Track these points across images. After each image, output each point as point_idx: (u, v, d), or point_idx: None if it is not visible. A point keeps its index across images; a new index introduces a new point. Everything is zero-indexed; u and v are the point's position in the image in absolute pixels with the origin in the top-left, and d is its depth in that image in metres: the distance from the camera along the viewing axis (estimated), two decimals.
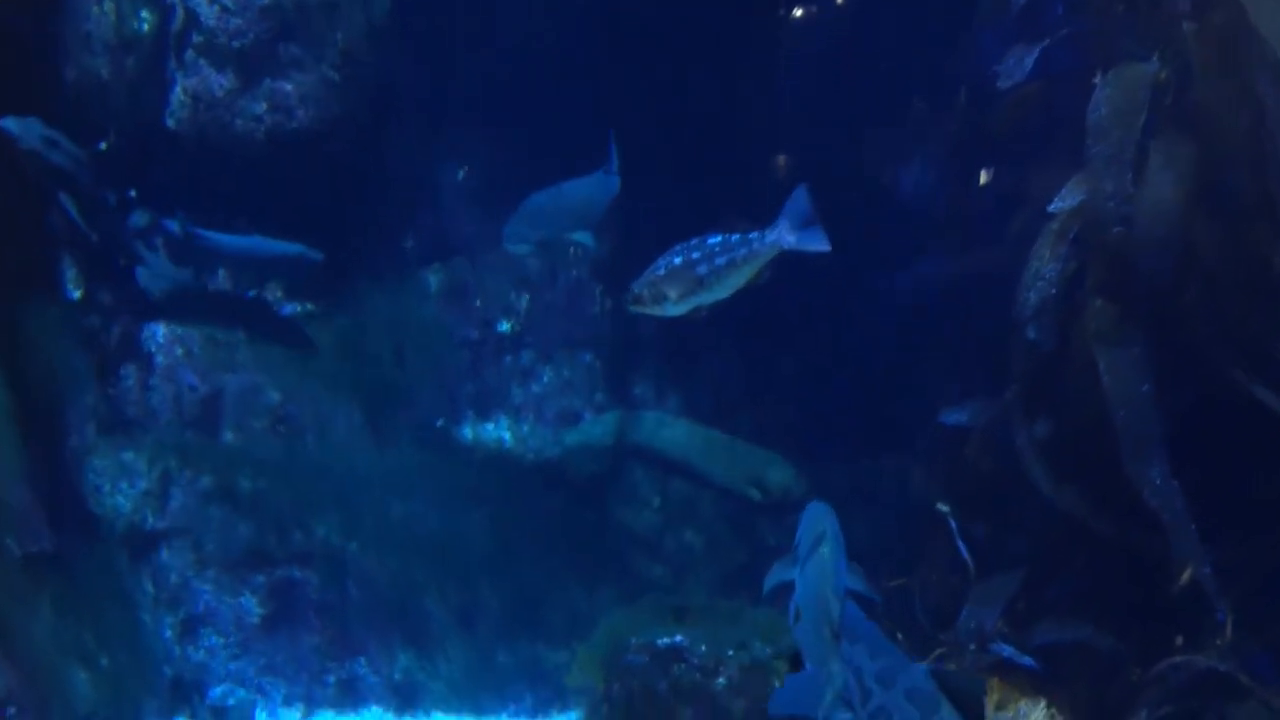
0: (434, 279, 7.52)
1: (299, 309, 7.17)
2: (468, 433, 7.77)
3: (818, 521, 4.32)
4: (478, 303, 7.61)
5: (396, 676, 6.88)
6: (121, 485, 6.61)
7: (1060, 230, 5.37)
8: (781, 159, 7.60)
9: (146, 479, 6.64)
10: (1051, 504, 5.48)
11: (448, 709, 6.96)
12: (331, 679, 6.77)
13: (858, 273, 7.28)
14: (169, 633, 6.49)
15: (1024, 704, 5.34)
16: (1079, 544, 5.54)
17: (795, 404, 7.72)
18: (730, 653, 5.04)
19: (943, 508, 5.55)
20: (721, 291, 4.70)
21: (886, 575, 6.01)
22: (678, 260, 4.67)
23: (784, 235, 4.59)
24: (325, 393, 7.23)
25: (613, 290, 7.83)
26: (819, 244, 4.53)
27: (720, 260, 4.66)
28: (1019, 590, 5.53)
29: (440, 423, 7.67)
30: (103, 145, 6.48)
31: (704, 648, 5.06)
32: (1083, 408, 5.47)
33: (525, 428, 7.83)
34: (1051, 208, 5.22)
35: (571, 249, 7.65)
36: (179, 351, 6.91)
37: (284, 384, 7.09)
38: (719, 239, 4.67)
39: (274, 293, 7.14)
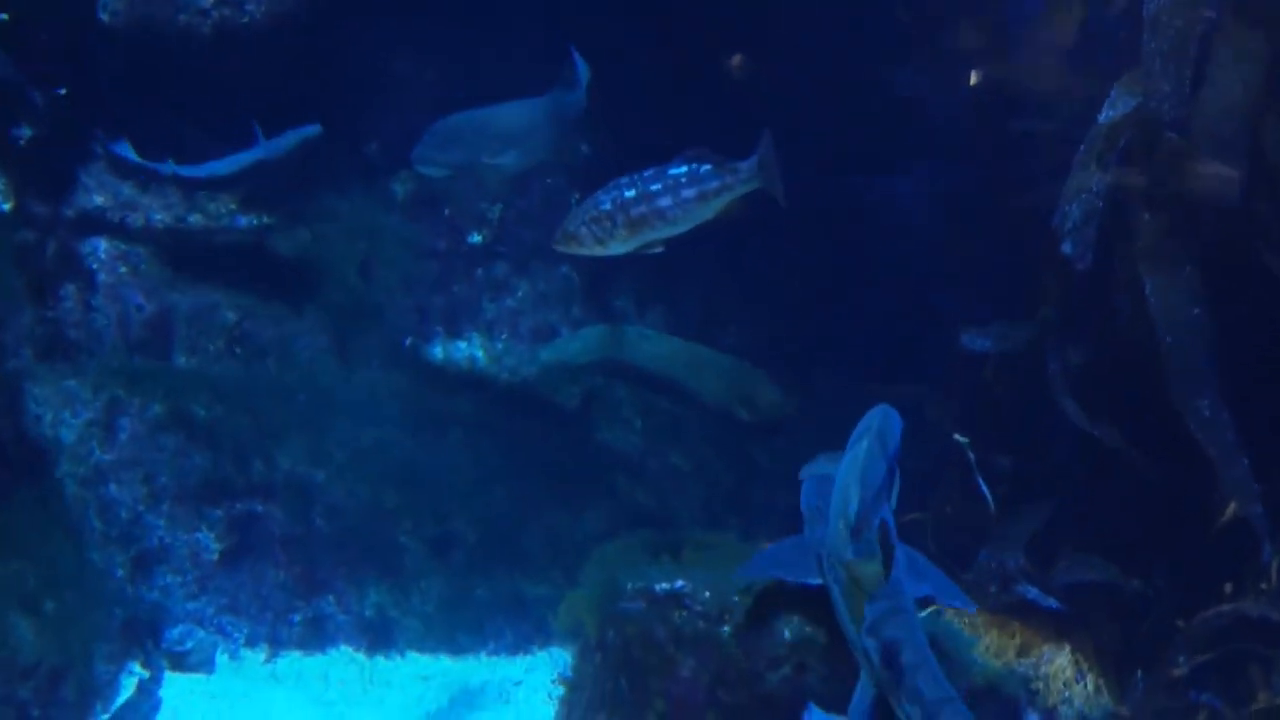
0: (400, 187, 7.10)
1: (255, 222, 6.63)
2: (438, 351, 7.43)
3: (872, 420, 3.92)
4: (447, 212, 7.23)
5: (367, 614, 6.50)
6: (64, 415, 6.15)
7: (1109, 136, 4.89)
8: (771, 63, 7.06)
9: (91, 408, 6.18)
10: (1081, 436, 5.07)
11: (422, 648, 6.59)
12: (297, 617, 6.38)
13: (868, 178, 7.01)
14: (120, 572, 6.05)
15: (1047, 649, 4.98)
16: (1111, 479, 5.16)
17: (793, 320, 7.35)
18: (736, 598, 4.61)
19: (961, 439, 5.11)
20: (685, 224, 4.47)
21: (898, 511, 5.60)
22: (630, 193, 4.44)
23: (756, 173, 4.40)
24: (286, 311, 6.82)
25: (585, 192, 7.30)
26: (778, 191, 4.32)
27: (688, 193, 4.40)
28: (1043, 528, 5.12)
29: (409, 341, 7.31)
30: (4, 16, 5.83)
31: (707, 593, 4.63)
32: (1124, 332, 5.07)
33: (499, 345, 7.51)
34: (1101, 118, 4.71)
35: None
36: (123, 269, 6.46)
37: (241, 302, 6.66)
38: (684, 169, 4.41)
39: (226, 205, 6.58)
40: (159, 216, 6.57)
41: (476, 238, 7.26)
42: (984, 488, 5.25)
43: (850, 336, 7.10)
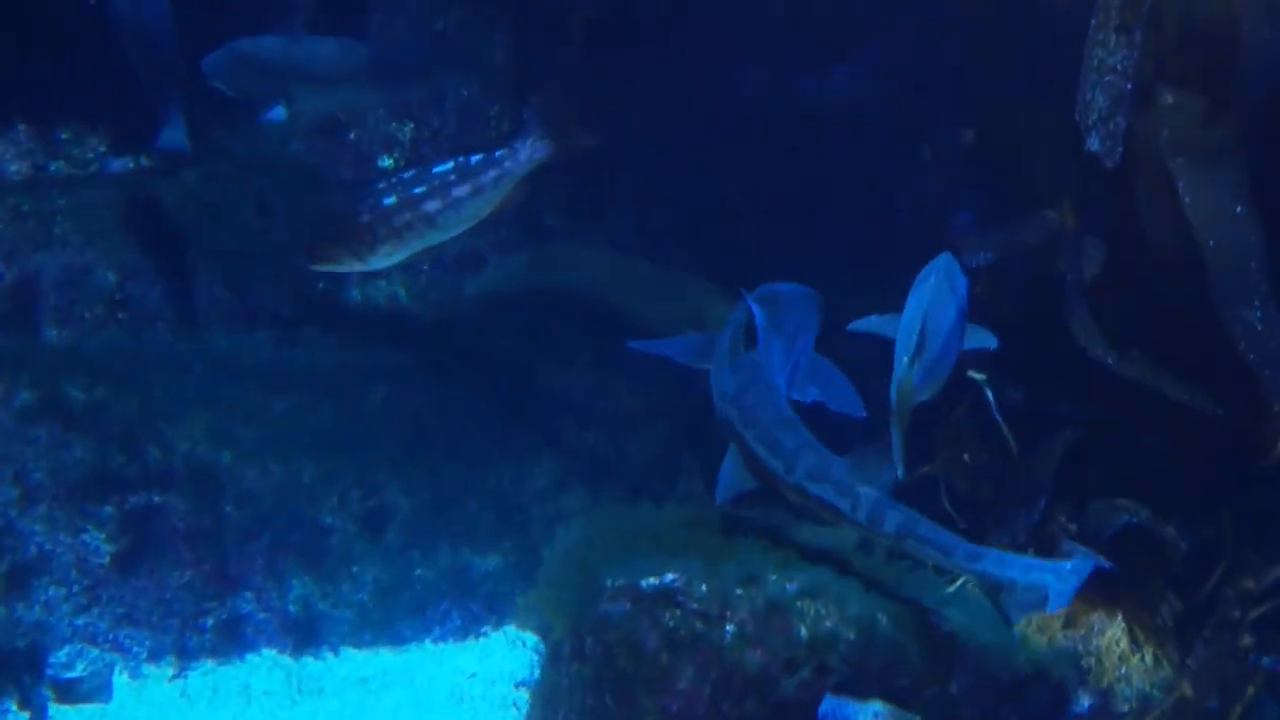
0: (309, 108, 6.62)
1: (130, 165, 5.73)
2: (355, 294, 6.78)
3: (937, 264, 4.05)
4: (352, 136, 6.74)
5: (291, 610, 5.72)
6: None
7: (1130, 3, 4.10)
8: None
9: None
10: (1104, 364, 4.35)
11: (358, 643, 5.83)
12: (209, 622, 5.56)
13: (807, 70, 6.36)
14: None
15: (1097, 619, 4.27)
16: (1144, 411, 4.42)
17: (747, 229, 6.67)
18: (738, 591, 3.85)
19: (976, 375, 4.35)
20: (460, 226, 4.20)
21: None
22: (389, 200, 4.11)
23: (539, 147, 4.10)
24: (175, 266, 6.06)
25: (511, 110, 6.85)
26: (586, 139, 4.05)
27: (459, 190, 4.10)
28: (1068, 475, 4.41)
29: (321, 286, 6.60)
30: None
31: (704, 587, 3.86)
32: (1154, 238, 4.31)
33: (422, 280, 6.94)
34: None
35: None
36: None
37: (120, 260, 5.85)
38: (450, 165, 4.11)
39: (94, 149, 5.66)
40: (14, 167, 5.90)
41: (387, 161, 6.76)
42: (1005, 430, 4.50)
43: (806, 249, 6.40)
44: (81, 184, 5.95)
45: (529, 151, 4.12)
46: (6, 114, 5.76)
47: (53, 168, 5.92)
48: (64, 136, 5.96)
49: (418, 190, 4.08)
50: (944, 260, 4.13)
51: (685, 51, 6.59)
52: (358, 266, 4.20)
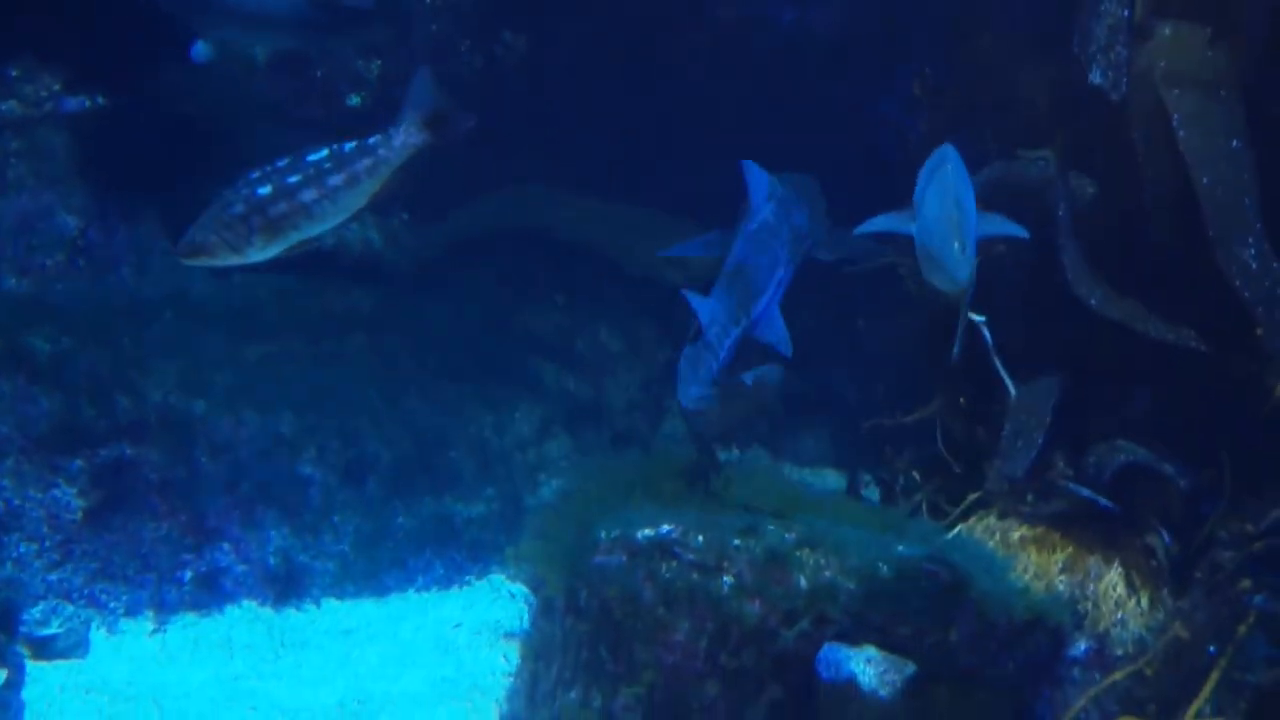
0: (259, 48, 6.35)
1: (87, 104, 5.52)
2: (328, 238, 6.43)
3: (940, 158, 4.10)
4: (319, 73, 6.55)
5: (271, 561, 5.61)
6: None
7: None
8: None
9: None
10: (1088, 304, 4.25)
11: (341, 594, 5.73)
12: (187, 574, 5.43)
13: None
14: None
15: (1094, 563, 4.21)
16: (1139, 353, 4.32)
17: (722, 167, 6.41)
18: (736, 542, 3.75)
19: (976, 317, 4.23)
20: (337, 217, 4.10)
21: (894, 409, 4.77)
22: (264, 190, 4.01)
23: (413, 133, 4.01)
24: (139, 208, 5.90)
25: (483, 44, 6.68)
26: (461, 123, 4.05)
27: (335, 179, 4.03)
28: (1071, 416, 4.31)
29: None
30: None
31: (700, 538, 3.75)
32: (1149, 174, 4.20)
33: (395, 222, 6.77)
34: None
35: None
36: None
37: (81, 203, 5.71)
38: (325, 153, 4.03)
39: (48, 86, 5.43)
40: None
41: (354, 100, 6.57)
42: (1005, 375, 4.40)
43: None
44: (36, 124, 5.70)
45: (404, 138, 4.02)
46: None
47: (4, 107, 5.66)
48: (15, 74, 5.71)
49: (293, 179, 3.99)
50: (950, 151, 4.12)
51: None
52: (234, 259, 4.03)
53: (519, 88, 6.78)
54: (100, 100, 5.73)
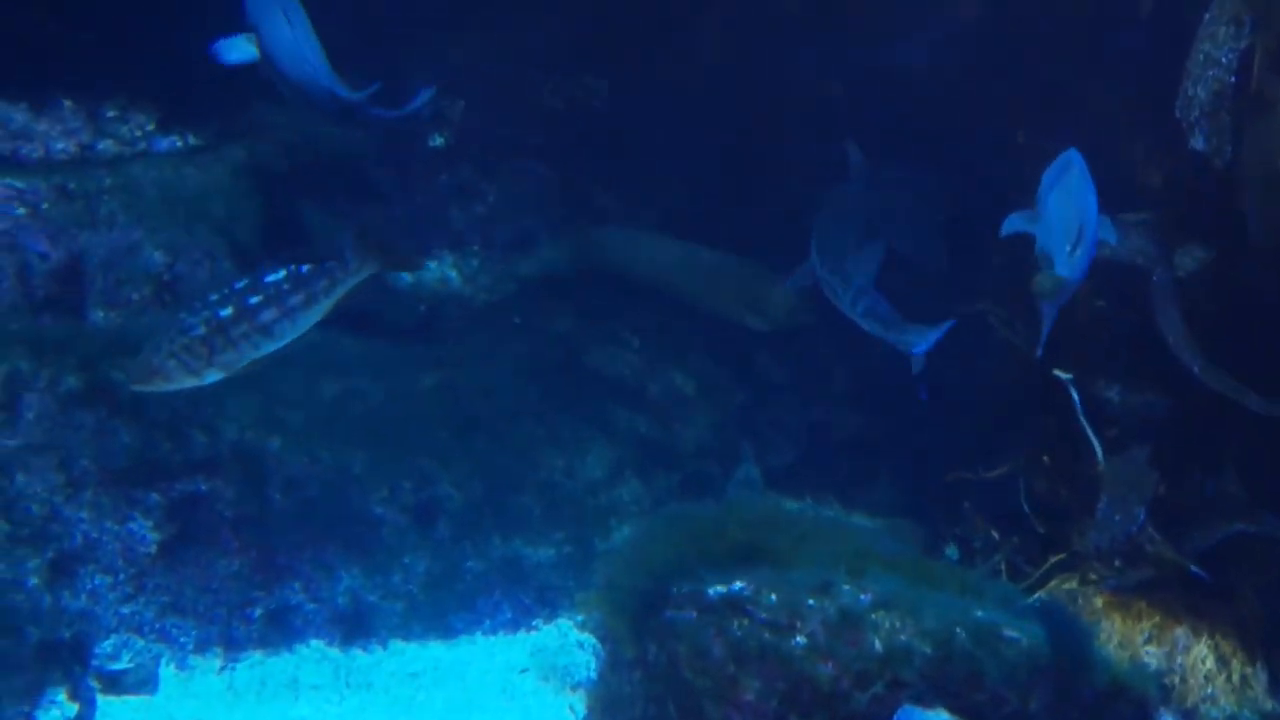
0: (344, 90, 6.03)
1: (178, 143, 5.60)
2: (405, 275, 6.59)
3: (1064, 162, 4.10)
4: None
5: (340, 601, 5.59)
6: None
7: None
8: None
9: None
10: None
11: (408, 635, 5.70)
12: (257, 611, 5.43)
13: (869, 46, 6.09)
14: (33, 580, 5.01)
15: (1181, 633, 4.05)
16: (1234, 423, 4.18)
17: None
18: (810, 601, 3.67)
19: (1062, 374, 4.12)
20: (292, 335, 4.20)
21: (975, 463, 4.66)
22: (225, 311, 4.08)
23: (369, 257, 4.17)
24: (222, 245, 5.90)
25: (562, 87, 6.78)
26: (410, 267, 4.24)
27: (294, 299, 4.13)
28: (1163, 479, 4.17)
29: None
30: None
31: (773, 596, 3.67)
32: (1260, 240, 4.06)
33: (474, 262, 6.81)
34: None
35: None
36: (19, 210, 5.43)
37: (168, 239, 5.70)
38: (282, 274, 4.13)
39: (142, 126, 5.52)
40: (60, 145, 5.70)
41: (438, 140, 6.68)
42: (1090, 432, 4.27)
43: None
44: (129, 162, 5.80)
45: (359, 263, 4.17)
46: (52, 91, 5.61)
47: (100, 146, 5.76)
48: (111, 114, 5.81)
49: (253, 300, 4.08)
50: (1075, 155, 4.12)
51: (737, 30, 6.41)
52: (190, 382, 4.10)
53: (598, 130, 6.79)
54: (191, 139, 5.79)
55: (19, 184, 5.43)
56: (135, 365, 4.09)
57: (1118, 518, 4.10)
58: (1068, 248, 3.84)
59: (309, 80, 4.49)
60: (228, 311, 4.06)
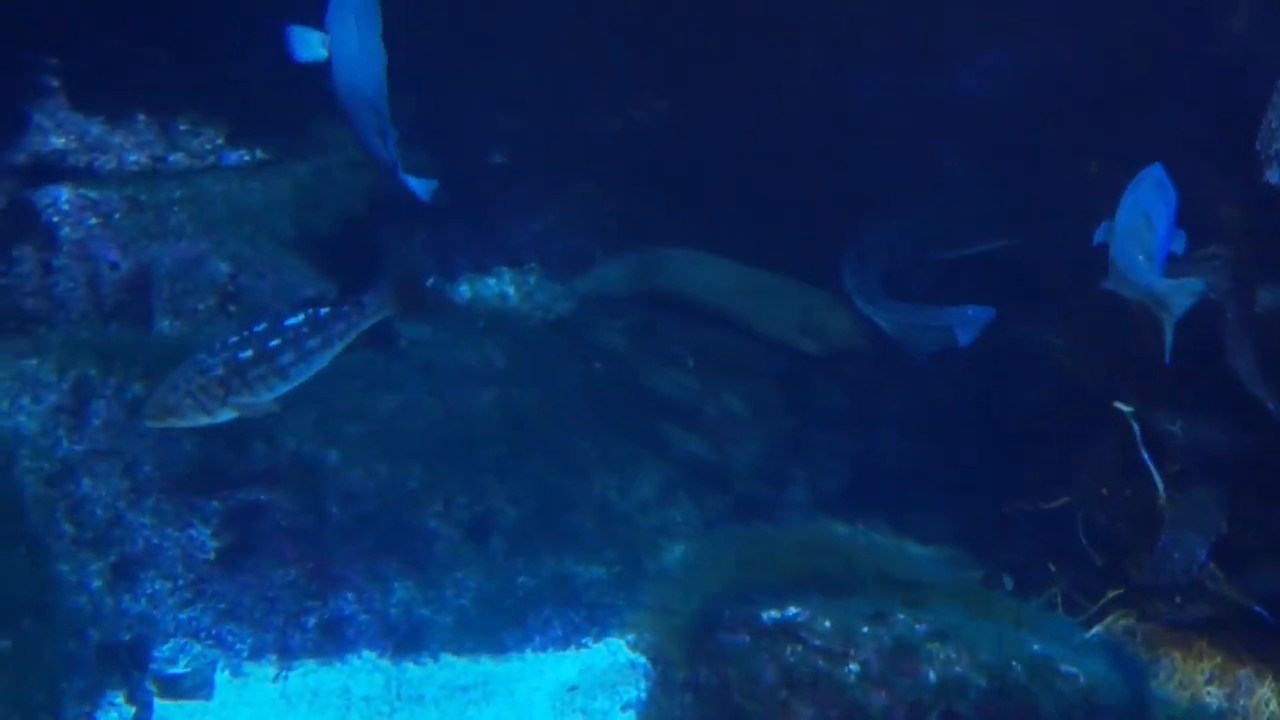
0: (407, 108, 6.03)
1: (246, 157, 5.72)
2: (464, 291, 6.73)
3: (1150, 173, 4.19)
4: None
5: (392, 613, 5.63)
6: (22, 402, 5.18)
7: None
8: None
9: (57, 391, 5.22)
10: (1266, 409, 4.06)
11: (459, 649, 5.72)
12: (311, 621, 5.49)
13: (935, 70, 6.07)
14: (96, 583, 5.10)
15: (1244, 675, 3.98)
16: None
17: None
18: (865, 629, 3.65)
19: (1123, 407, 4.08)
20: (300, 379, 4.32)
21: (1031, 493, 4.62)
22: (245, 354, 4.20)
23: (385, 302, 4.32)
24: (287, 258, 5.96)
25: (621, 107, 6.70)
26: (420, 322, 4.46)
27: (311, 342, 4.27)
28: (1228, 517, 4.12)
29: (431, 281, 6.59)
30: None
31: (827, 623, 3.66)
32: None
33: (531, 280, 6.85)
34: None
35: None
36: (92, 220, 5.57)
37: (233, 251, 5.79)
38: (301, 318, 4.28)
39: (212, 140, 5.61)
40: (134, 157, 5.78)
41: (497, 158, 6.68)
42: (1152, 466, 4.22)
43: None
44: (198, 174, 5.89)
45: (376, 306, 4.31)
46: (127, 104, 5.72)
47: (171, 159, 5.85)
48: (183, 127, 5.91)
49: (273, 343, 4.21)
50: (1156, 168, 4.19)
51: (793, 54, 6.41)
52: (202, 420, 4.22)
53: (657, 150, 6.81)
54: (258, 154, 5.88)
55: (93, 195, 5.55)
56: (151, 401, 4.22)
57: (1177, 554, 4.05)
58: (1140, 257, 3.87)
59: (360, 99, 4.55)
60: (247, 354, 4.18)
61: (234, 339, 4.20)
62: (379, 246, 6.42)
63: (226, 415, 4.23)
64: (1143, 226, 3.99)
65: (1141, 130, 4.84)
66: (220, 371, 4.15)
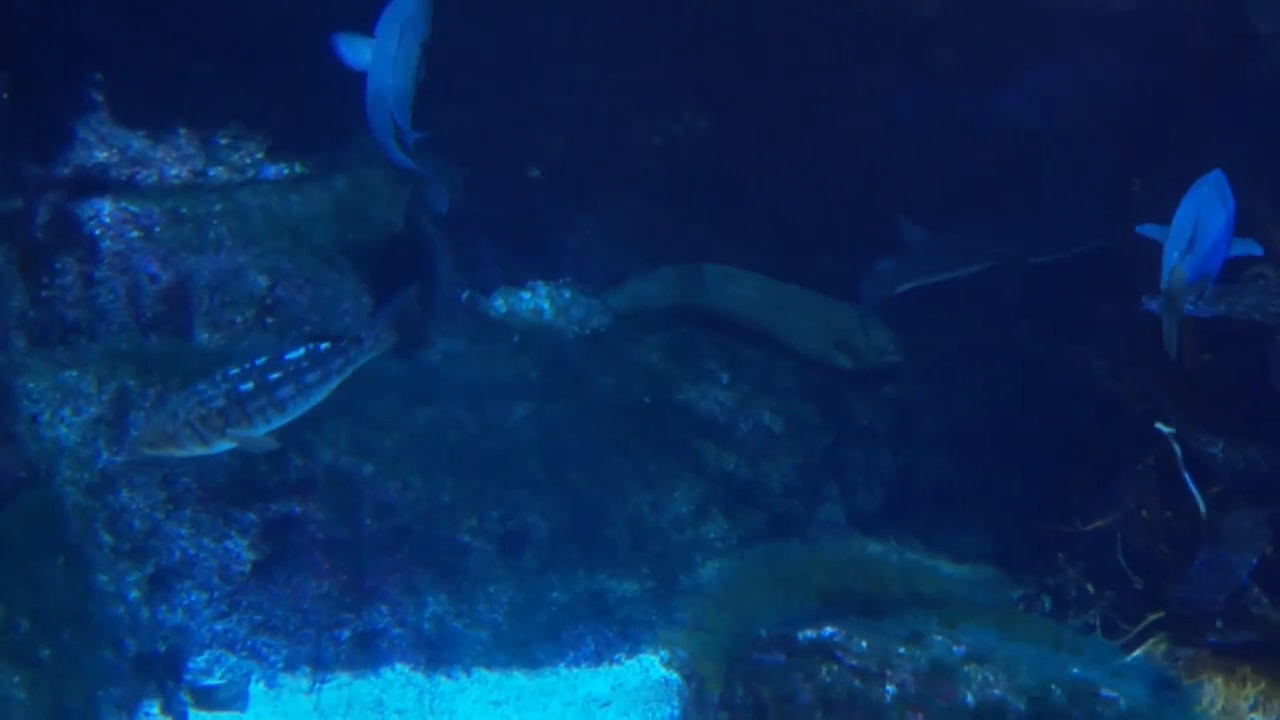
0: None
1: (285, 171, 5.78)
2: (499, 304, 6.75)
3: (1211, 177, 4.19)
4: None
5: (425, 626, 5.64)
6: (63, 412, 5.23)
7: None
8: None
9: (96, 402, 5.27)
10: None
11: (491, 664, 5.71)
12: (345, 633, 5.50)
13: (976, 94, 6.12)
14: (133, 593, 5.14)
15: None
16: None
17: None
18: (901, 650, 3.62)
19: (1164, 428, 4.03)
20: (298, 412, 4.38)
21: (1070, 513, 4.57)
22: (246, 386, 4.26)
23: (382, 338, 4.40)
24: (324, 271, 6.00)
25: (662, 123, 6.75)
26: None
27: (311, 376, 4.34)
28: (1273, 541, 4.06)
29: (466, 295, 6.62)
30: None
31: (864, 643, 3.63)
32: None
33: (566, 294, 6.88)
34: None
35: None
36: (133, 233, 5.62)
37: (271, 264, 5.83)
38: (301, 352, 4.35)
39: (252, 154, 5.64)
40: (174, 171, 5.81)
41: (534, 171, 6.74)
42: (1193, 487, 4.17)
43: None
44: (238, 188, 5.93)
45: (373, 341, 4.39)
46: (167, 118, 5.77)
47: (212, 172, 5.88)
48: (223, 142, 5.95)
49: (272, 376, 4.28)
50: (1216, 175, 4.19)
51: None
52: (198, 450, 4.27)
53: (696, 167, 6.81)
54: (297, 167, 5.91)
55: (134, 208, 5.60)
56: (148, 430, 4.28)
57: (1214, 576, 4.00)
58: (1175, 253, 3.88)
59: (382, 105, 4.60)
60: (248, 386, 4.24)
61: (234, 370, 4.28)
62: (421, 261, 6.47)
63: (222, 446, 4.29)
64: (1189, 228, 3.99)
65: (1190, 152, 4.79)
66: (221, 402, 4.21)
